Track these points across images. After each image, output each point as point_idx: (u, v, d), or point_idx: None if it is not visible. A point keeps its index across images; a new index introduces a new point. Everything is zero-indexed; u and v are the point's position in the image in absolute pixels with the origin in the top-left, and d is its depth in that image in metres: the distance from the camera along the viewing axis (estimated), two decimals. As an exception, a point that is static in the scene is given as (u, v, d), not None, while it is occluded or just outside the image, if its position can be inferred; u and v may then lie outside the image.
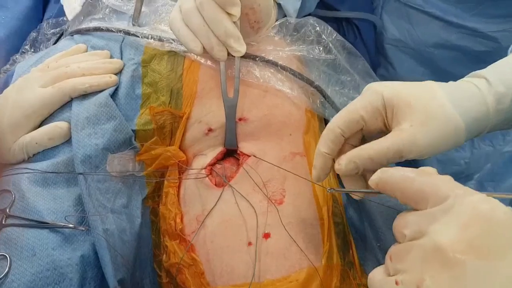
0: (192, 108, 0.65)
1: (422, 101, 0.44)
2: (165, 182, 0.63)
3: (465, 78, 0.47)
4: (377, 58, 0.95)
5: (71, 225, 0.53)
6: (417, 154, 0.44)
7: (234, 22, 0.58)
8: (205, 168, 0.63)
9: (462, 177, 0.84)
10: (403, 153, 0.44)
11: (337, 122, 0.46)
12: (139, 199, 0.62)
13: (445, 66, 0.89)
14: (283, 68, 0.65)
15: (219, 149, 0.65)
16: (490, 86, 0.44)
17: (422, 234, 0.36)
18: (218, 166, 0.63)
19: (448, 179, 0.38)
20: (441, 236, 0.34)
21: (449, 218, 0.34)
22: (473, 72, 0.48)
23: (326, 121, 0.71)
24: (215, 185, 0.62)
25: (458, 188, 0.36)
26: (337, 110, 0.68)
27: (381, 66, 0.95)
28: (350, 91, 0.71)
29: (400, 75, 0.92)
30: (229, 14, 0.56)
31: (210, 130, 0.64)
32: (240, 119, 0.64)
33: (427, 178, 0.38)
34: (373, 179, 0.41)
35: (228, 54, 0.60)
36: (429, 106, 0.44)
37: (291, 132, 0.65)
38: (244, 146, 0.64)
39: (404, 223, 0.38)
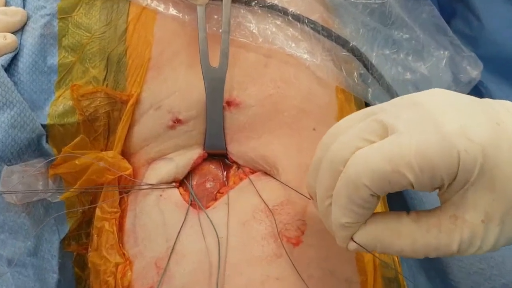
0: (143, 86, 0.64)
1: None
2: (98, 212, 0.62)
3: None
4: (452, 3, 0.93)
5: None
6: (473, 254, 0.45)
7: None
8: (174, 183, 0.64)
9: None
10: (455, 252, 0.45)
11: (364, 177, 0.44)
12: (55, 242, 0.63)
13: None
14: (297, 18, 0.65)
15: (196, 153, 0.65)
16: None
17: None
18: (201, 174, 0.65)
19: None
20: None
21: None
22: None
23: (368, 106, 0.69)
24: (191, 205, 0.62)
25: None
26: (386, 89, 0.67)
27: (457, 16, 0.93)
28: (409, 57, 0.70)
29: (489, 31, 0.89)
30: None
31: (177, 121, 0.64)
32: (228, 103, 0.63)
33: None
34: None
35: None
36: None
37: (315, 124, 0.64)
38: (237, 150, 0.64)
39: None
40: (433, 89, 0.49)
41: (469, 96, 0.47)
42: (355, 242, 0.47)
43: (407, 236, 0.45)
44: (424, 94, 0.47)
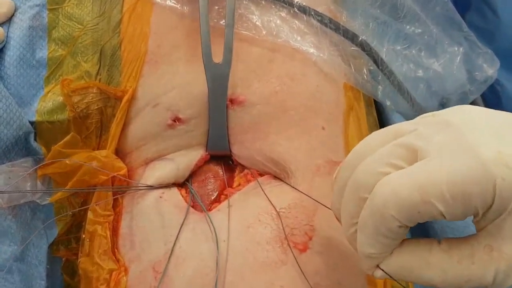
0: (139, 81, 0.64)
1: None
2: (90, 215, 0.62)
3: None
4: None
5: None
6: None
7: None
8: (174, 185, 0.64)
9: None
10: (490, 285, 0.43)
11: (392, 207, 0.43)
12: (43, 247, 0.63)
13: None
14: (303, 10, 0.65)
15: (198, 154, 0.65)
16: None
17: None
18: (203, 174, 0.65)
19: None
20: None
21: None
22: None
23: (378, 105, 0.71)
24: (193, 207, 0.61)
25: None
26: (397, 86, 0.68)
27: (472, 8, 0.93)
28: (422, 53, 0.70)
29: (506, 25, 0.89)
30: None
31: (177, 120, 0.64)
32: (231, 101, 0.64)
33: None
34: None
35: None
36: None
37: (324, 123, 0.64)
38: (242, 152, 0.65)
39: None
40: (466, 106, 0.48)
41: (505, 113, 0.46)
42: (382, 270, 0.46)
43: (437, 266, 0.44)
44: (457, 112, 0.47)
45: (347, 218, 0.48)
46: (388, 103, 0.68)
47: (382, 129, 0.49)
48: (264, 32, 0.64)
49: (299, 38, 0.65)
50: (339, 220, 0.50)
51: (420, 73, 0.71)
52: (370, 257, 0.46)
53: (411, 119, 0.68)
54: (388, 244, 0.45)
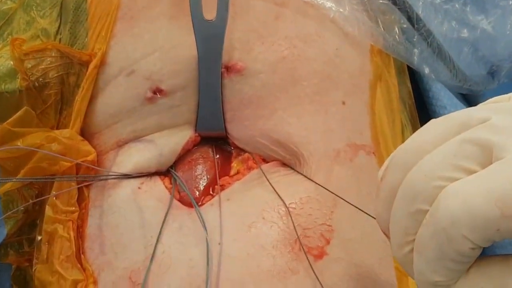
0: (110, 41, 0.64)
1: None
2: (48, 211, 0.62)
3: None
4: None
5: None
6: None
7: None
8: (155, 173, 0.64)
9: None
10: None
11: (463, 225, 0.40)
12: None
13: None
14: None
15: (185, 135, 0.65)
16: None
17: None
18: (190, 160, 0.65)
19: None
20: None
21: None
22: None
23: (413, 73, 0.71)
24: (180, 200, 0.62)
25: None
26: (436, 50, 0.67)
27: None
28: (467, 8, 0.70)
29: None
30: None
31: (159, 91, 0.64)
32: (227, 69, 0.63)
33: None
34: None
35: None
36: None
37: (344, 97, 0.65)
38: (241, 133, 0.65)
39: None
40: None
41: None
42: None
43: None
44: None
45: (399, 235, 0.45)
46: (426, 70, 0.67)
47: (442, 118, 0.46)
48: (268, -18, 0.63)
49: (313, -12, 0.63)
50: (386, 235, 0.48)
51: (465, 33, 0.70)
52: (433, 286, 0.44)
53: (454, 91, 0.66)
54: (457, 270, 0.42)
